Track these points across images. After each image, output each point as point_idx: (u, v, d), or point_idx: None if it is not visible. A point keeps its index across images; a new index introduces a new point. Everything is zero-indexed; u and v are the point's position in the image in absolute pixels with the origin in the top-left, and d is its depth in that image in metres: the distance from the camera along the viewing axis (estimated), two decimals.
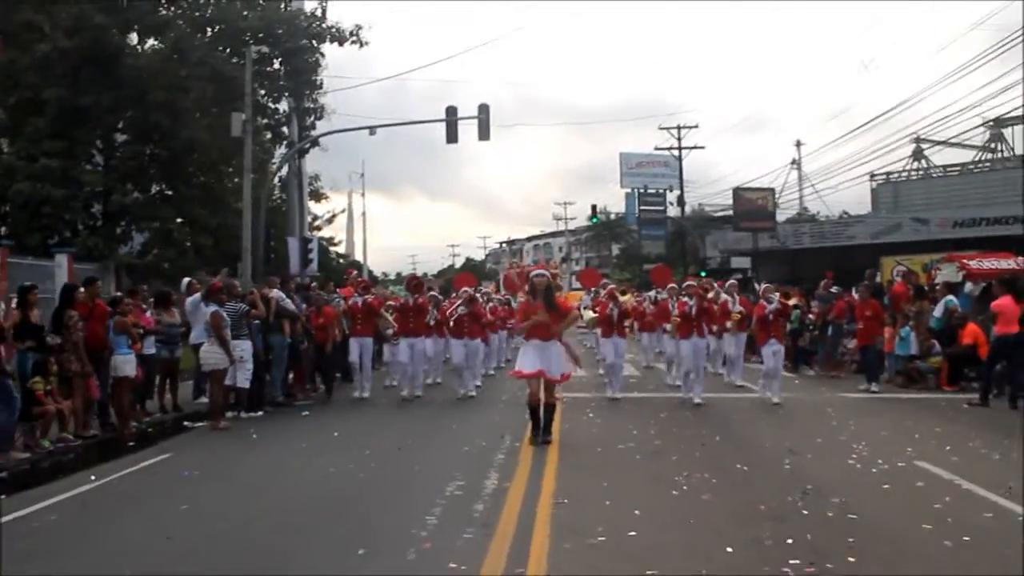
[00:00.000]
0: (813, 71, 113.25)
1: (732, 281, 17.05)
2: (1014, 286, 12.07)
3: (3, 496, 7.39)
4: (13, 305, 9.28)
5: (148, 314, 11.57)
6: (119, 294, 11.10)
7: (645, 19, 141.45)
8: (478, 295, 16.71)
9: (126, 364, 10.40)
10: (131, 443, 9.94)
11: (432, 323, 14.25)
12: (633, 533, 5.94)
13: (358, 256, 50.46)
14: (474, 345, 14.69)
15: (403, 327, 13.84)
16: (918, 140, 45.04)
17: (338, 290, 16.24)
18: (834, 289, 16.85)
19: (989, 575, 5.18)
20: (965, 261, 15.87)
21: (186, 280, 13.03)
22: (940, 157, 48.31)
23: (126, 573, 5.30)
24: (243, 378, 11.41)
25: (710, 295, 14.31)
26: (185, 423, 11.27)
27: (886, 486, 7.32)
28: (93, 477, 8.12)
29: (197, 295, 12.03)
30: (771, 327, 13.10)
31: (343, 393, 14.19)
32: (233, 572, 5.25)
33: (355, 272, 20.91)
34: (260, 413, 11.76)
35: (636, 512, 6.43)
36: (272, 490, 7.57)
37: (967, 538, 5.75)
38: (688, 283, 14.44)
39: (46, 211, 21.34)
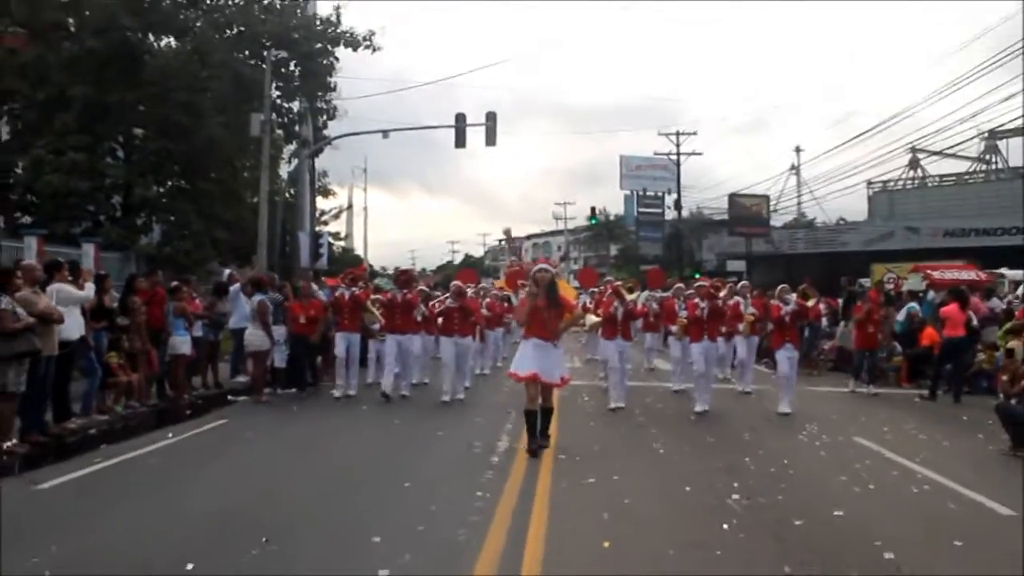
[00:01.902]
0: (817, 76, 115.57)
1: (744, 282, 16.97)
2: (961, 295, 14.09)
3: (103, 445, 9.37)
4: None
5: (197, 301, 13.52)
6: (176, 283, 13.00)
7: (649, 20, 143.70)
8: (469, 289, 15.97)
9: (183, 344, 12.40)
10: (188, 411, 11.89)
11: (420, 319, 13.88)
12: (616, 478, 7.92)
13: (358, 250, 52.44)
14: (464, 344, 13.80)
15: (390, 323, 13.56)
16: (914, 150, 47.10)
17: (324, 279, 17.27)
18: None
19: (879, 508, 7.14)
20: (929, 272, 17.87)
21: (227, 271, 15.03)
22: (937, 167, 50.39)
23: (228, 500, 7.27)
24: (280, 359, 13.38)
25: (722, 294, 13.93)
26: (229, 397, 13.23)
27: (823, 453, 9.39)
28: (171, 435, 10.08)
29: (237, 285, 14.02)
30: (786, 330, 12.88)
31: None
32: (312, 501, 7.16)
33: (368, 267, 22.75)
34: (293, 390, 13.68)
35: (618, 465, 8.42)
36: (326, 445, 9.62)
37: (872, 486, 7.76)
38: (699, 283, 14.21)
39: (72, 202, 23.25)
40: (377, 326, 13.73)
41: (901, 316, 16.50)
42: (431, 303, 14.42)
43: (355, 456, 9.03)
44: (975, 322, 13.97)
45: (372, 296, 14.08)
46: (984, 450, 9.73)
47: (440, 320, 13.75)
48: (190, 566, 5.25)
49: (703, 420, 11.67)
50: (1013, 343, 12.34)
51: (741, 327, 14.54)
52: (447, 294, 14.51)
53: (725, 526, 6.33)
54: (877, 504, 7.20)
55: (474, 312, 14.23)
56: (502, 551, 5.74)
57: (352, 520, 6.44)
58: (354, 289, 13.83)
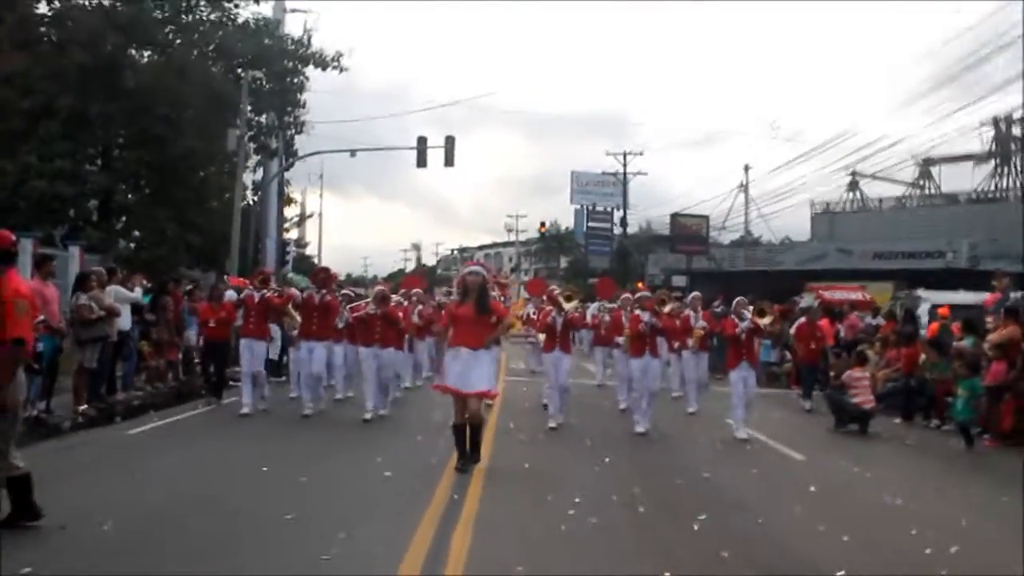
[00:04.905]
0: (772, 91, 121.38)
1: (695, 294, 16.91)
2: (831, 312, 18.22)
3: (152, 411, 12.99)
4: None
5: (203, 301, 17.11)
6: (190, 286, 16.61)
7: (603, 30, 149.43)
8: (395, 295, 15.34)
9: (195, 337, 16.01)
10: (201, 391, 15.48)
11: (342, 326, 13.61)
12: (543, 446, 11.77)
13: (314, 256, 55.82)
14: (386, 355, 13.28)
15: (306, 329, 13.22)
16: (853, 173, 51.84)
17: (227, 278, 19.56)
18: (719, 309, 22.83)
19: (716, 457, 11.04)
20: (821, 292, 22.01)
21: (228, 278, 18.61)
22: (876, 189, 55.16)
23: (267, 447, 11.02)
24: (273, 352, 17.00)
25: (666, 308, 13.29)
26: (231, 382, 16.78)
27: (694, 430, 13.30)
28: (199, 407, 13.74)
29: (231, 291, 17.63)
30: (742, 348, 12.80)
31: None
32: (322, 452, 10.90)
33: (323, 272, 25.91)
34: (283, 378, 17.16)
35: (540, 438, 12.19)
36: (320, 418, 13.32)
37: (719, 447, 11.76)
38: (642, 293, 13.83)
39: (55, 206, 26.49)
40: (296, 332, 13.77)
41: (792, 329, 20.56)
42: (352, 306, 14.01)
43: (344, 420, 12.81)
44: (842, 334, 18.06)
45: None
46: (818, 428, 13.78)
47: (362, 327, 13.32)
48: (264, 468, 8.95)
49: (621, 418, 14.18)
50: (870, 352, 16.36)
51: (690, 342, 14.87)
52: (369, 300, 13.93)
53: (595, 468, 10.14)
54: (716, 455, 11.27)
55: (398, 321, 13.68)
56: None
57: (353, 449, 10.23)
58: (264, 292, 13.38)
